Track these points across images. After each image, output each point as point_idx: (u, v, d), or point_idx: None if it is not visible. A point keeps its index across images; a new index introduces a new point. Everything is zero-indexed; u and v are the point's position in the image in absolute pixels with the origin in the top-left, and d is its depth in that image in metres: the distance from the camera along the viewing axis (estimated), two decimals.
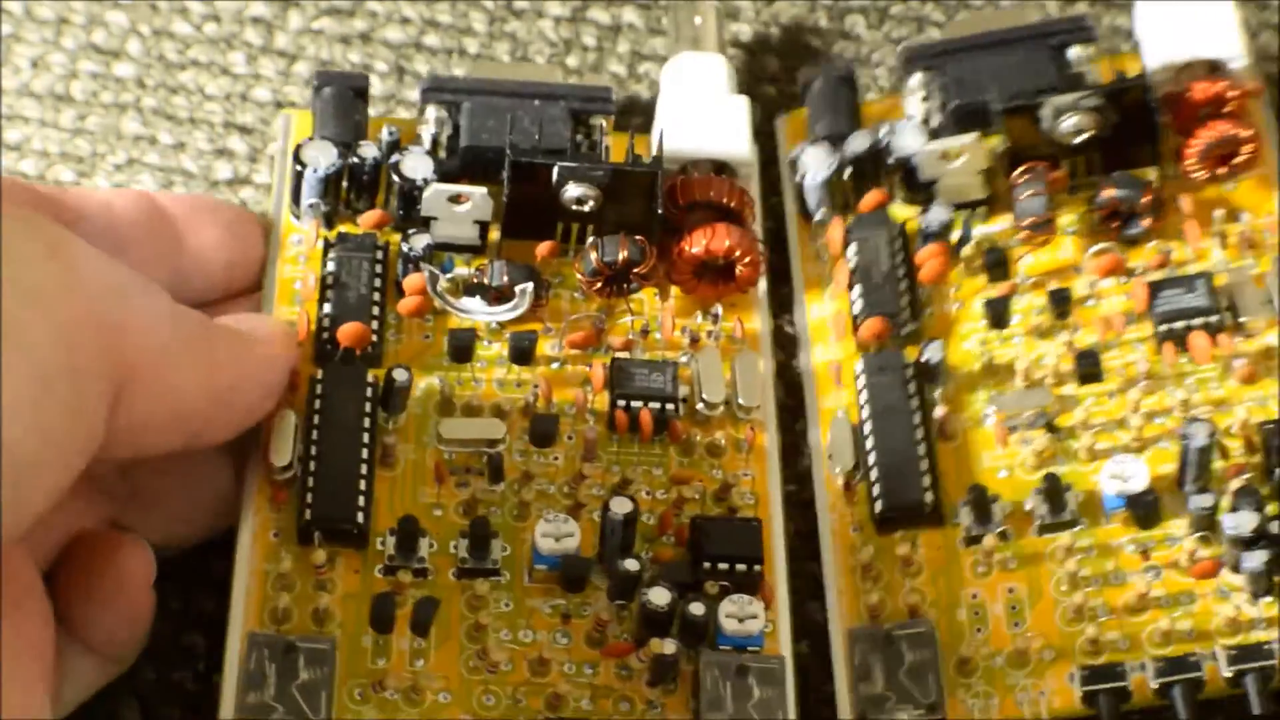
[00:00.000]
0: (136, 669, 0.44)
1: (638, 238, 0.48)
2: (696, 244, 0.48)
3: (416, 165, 0.48)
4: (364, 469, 0.45)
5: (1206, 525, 0.43)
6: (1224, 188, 0.50)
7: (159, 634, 0.44)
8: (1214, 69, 0.49)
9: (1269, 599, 0.43)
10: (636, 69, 0.57)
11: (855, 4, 0.58)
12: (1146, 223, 0.49)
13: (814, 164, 0.50)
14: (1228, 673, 0.41)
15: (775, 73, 0.57)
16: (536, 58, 0.57)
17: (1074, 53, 0.51)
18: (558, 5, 0.58)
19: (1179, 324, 0.47)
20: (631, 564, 0.43)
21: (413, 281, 0.47)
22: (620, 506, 0.43)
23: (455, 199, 0.48)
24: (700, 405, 0.47)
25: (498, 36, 0.57)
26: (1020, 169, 0.49)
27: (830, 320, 0.50)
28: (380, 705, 0.43)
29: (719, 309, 0.49)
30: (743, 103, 0.51)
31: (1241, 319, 0.47)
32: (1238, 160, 0.49)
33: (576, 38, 0.57)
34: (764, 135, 0.53)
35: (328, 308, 0.47)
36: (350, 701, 0.43)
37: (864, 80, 0.56)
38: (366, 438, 0.45)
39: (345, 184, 0.49)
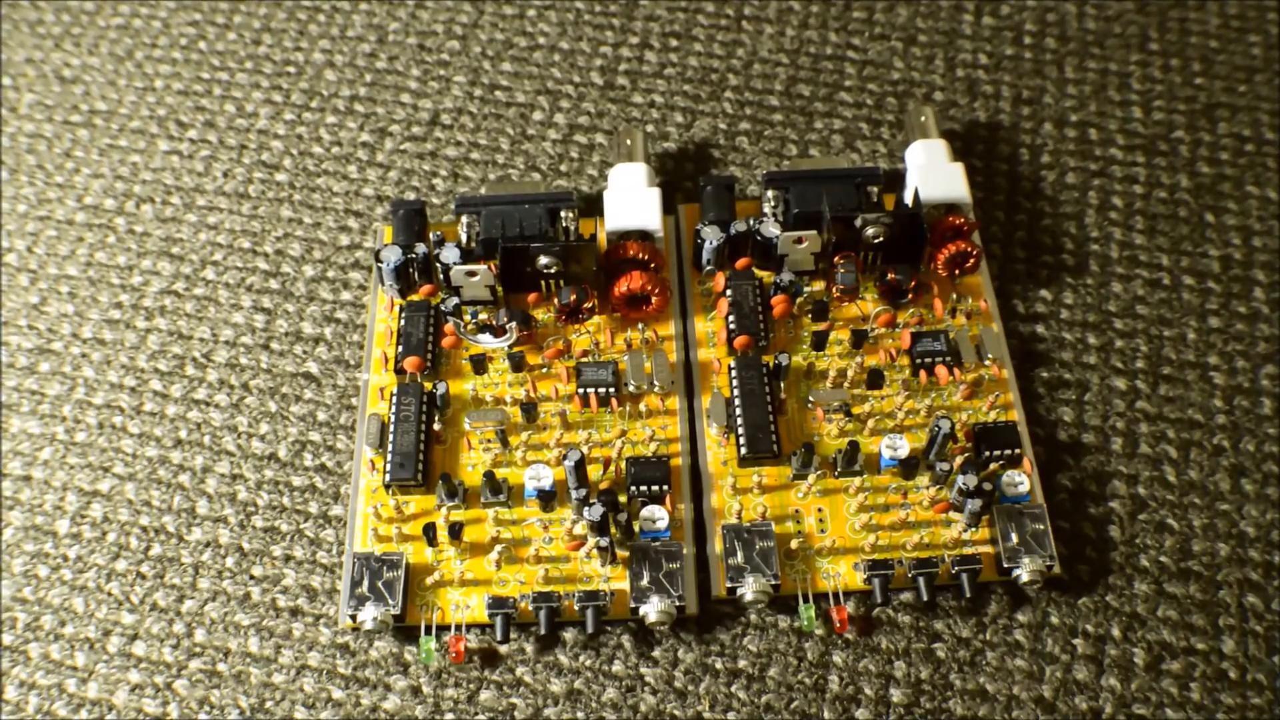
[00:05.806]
0: None
1: (584, 286, 0.57)
2: (621, 285, 0.56)
3: (448, 255, 0.58)
4: (422, 446, 0.54)
5: (942, 481, 0.52)
6: (956, 281, 0.58)
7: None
8: (952, 207, 0.58)
9: (977, 530, 0.51)
10: (605, 172, 0.65)
11: (742, 129, 0.66)
12: (910, 296, 0.57)
13: (711, 235, 0.57)
14: (953, 570, 0.50)
15: (691, 173, 0.65)
16: (541, 165, 0.66)
17: (869, 188, 0.58)
18: (554, 132, 0.67)
19: (928, 359, 0.55)
20: (578, 492, 0.52)
21: (447, 327, 0.57)
22: (571, 458, 0.52)
23: (470, 274, 0.57)
24: (630, 386, 0.56)
25: (516, 153, 0.67)
26: (839, 255, 0.57)
27: (710, 332, 0.57)
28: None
29: (642, 325, 0.57)
30: (657, 193, 0.59)
31: (962, 361, 0.55)
32: (967, 266, 0.57)
33: (566, 153, 0.66)
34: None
35: (400, 348, 0.57)
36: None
37: (745, 176, 0.64)
38: (423, 427, 0.54)
39: (411, 270, 0.59)
